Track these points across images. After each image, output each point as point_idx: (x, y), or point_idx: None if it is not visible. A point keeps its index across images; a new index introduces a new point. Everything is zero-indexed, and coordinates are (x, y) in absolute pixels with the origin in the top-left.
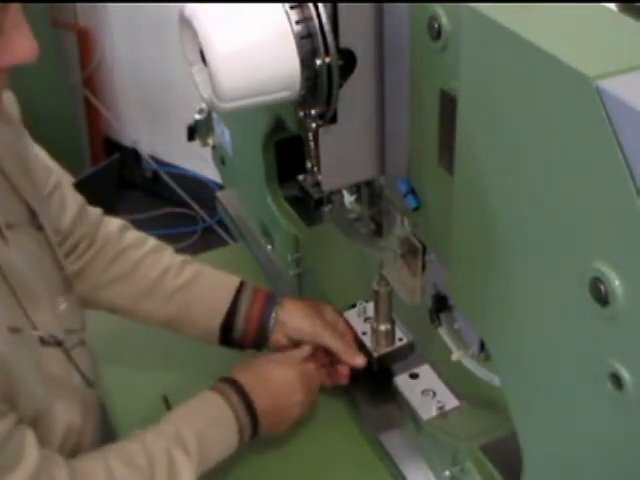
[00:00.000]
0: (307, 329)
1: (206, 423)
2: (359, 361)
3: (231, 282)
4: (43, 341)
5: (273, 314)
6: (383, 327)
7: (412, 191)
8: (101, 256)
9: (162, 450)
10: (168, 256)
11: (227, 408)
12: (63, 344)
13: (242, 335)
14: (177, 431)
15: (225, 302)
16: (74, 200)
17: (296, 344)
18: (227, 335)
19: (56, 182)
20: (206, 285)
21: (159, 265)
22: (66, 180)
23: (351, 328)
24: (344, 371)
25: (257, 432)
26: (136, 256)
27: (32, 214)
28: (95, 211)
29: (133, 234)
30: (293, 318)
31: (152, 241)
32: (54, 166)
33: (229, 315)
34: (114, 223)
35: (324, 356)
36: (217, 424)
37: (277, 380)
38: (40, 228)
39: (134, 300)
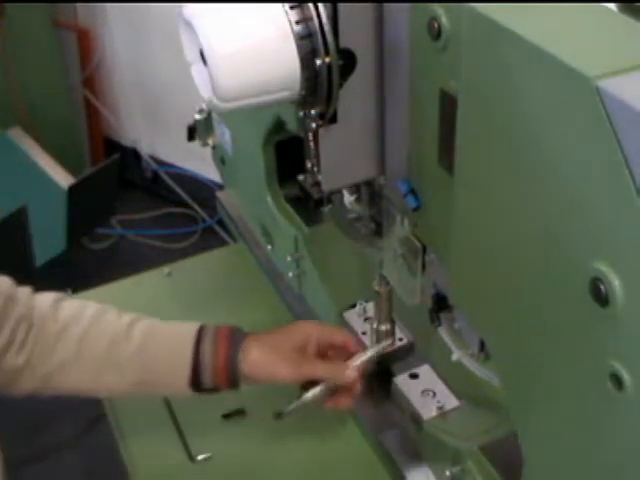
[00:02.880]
0: (278, 376)
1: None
2: (350, 374)
3: (185, 337)
4: None
5: (240, 360)
6: (383, 327)
7: (412, 191)
8: (43, 341)
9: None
10: (112, 321)
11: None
12: None
13: (214, 387)
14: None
15: (185, 360)
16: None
17: None
18: (200, 389)
19: None
20: (159, 346)
21: (104, 337)
22: None
23: (351, 328)
24: (343, 399)
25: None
26: (77, 333)
27: None
28: (24, 290)
29: (68, 307)
30: (257, 367)
31: (90, 309)
32: None
33: (194, 372)
34: (46, 299)
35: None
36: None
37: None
38: None
39: (91, 380)
